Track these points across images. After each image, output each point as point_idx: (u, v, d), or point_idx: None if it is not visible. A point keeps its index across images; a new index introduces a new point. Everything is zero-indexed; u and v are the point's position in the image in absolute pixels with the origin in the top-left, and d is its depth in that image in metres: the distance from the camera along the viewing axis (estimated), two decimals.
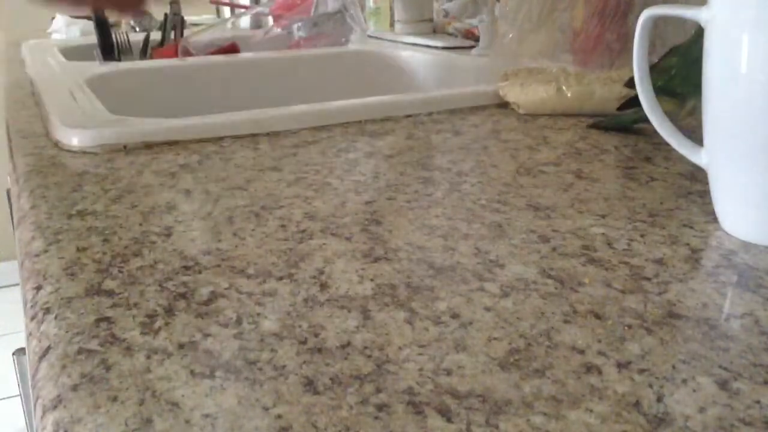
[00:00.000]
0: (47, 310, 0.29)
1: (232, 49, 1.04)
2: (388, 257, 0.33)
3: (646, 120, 0.54)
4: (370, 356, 0.25)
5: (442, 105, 0.65)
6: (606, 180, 0.44)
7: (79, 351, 0.26)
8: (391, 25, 1.27)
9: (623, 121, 0.56)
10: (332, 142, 0.54)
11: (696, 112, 0.49)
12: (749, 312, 0.28)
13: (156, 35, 1.24)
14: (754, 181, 0.33)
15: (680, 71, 0.49)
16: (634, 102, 0.55)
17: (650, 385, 0.23)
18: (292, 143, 0.54)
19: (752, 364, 0.24)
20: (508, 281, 0.31)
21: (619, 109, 0.57)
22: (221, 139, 0.56)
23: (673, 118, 0.42)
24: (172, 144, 0.54)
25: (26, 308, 0.31)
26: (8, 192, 1.16)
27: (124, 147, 0.53)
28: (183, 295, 0.30)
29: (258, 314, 0.28)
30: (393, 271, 0.32)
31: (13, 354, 0.94)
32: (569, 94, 0.61)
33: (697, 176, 0.44)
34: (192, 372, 0.24)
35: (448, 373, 0.24)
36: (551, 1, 0.89)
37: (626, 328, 0.27)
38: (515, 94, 0.63)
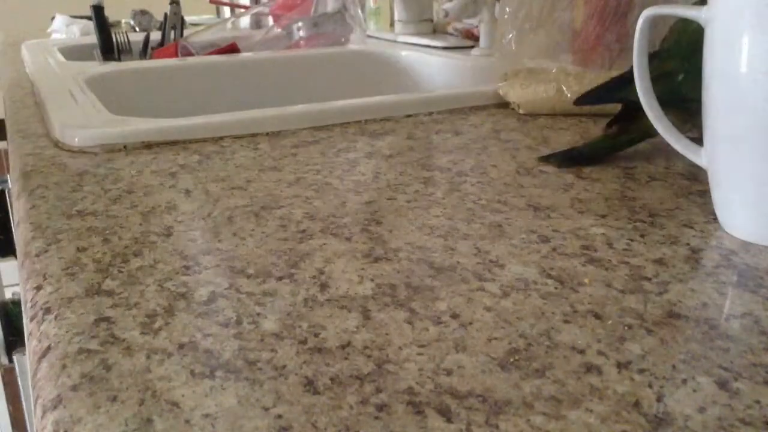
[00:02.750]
0: (47, 310, 0.29)
1: (232, 49, 1.04)
2: (388, 257, 0.33)
3: (618, 149, 0.48)
4: (370, 356, 0.25)
5: (442, 105, 0.65)
6: (606, 180, 0.44)
7: (79, 351, 0.26)
8: (391, 25, 1.27)
9: (592, 150, 0.48)
10: (332, 142, 0.54)
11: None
12: (749, 312, 0.28)
13: (156, 35, 1.24)
14: (754, 181, 0.33)
15: (689, 76, 0.44)
16: (590, 98, 0.51)
17: (650, 385, 0.23)
18: (292, 143, 0.54)
19: (752, 364, 0.24)
20: (508, 281, 0.31)
21: (576, 103, 0.54)
22: (221, 139, 0.56)
23: (681, 130, 0.39)
24: (172, 144, 0.54)
25: (26, 308, 0.31)
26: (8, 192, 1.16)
27: (124, 147, 0.53)
28: (183, 295, 0.30)
29: (258, 314, 0.28)
30: (393, 271, 0.32)
31: (14, 354, 0.94)
32: (569, 94, 0.61)
33: (697, 176, 0.44)
34: (192, 372, 0.24)
35: (448, 373, 0.24)
36: (551, 1, 0.89)
37: (626, 328, 0.27)
38: (515, 94, 0.63)
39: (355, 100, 0.62)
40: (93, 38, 1.12)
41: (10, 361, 1.03)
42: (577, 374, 0.24)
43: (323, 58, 1.02)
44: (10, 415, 1.35)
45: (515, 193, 0.42)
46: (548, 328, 0.27)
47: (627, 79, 0.47)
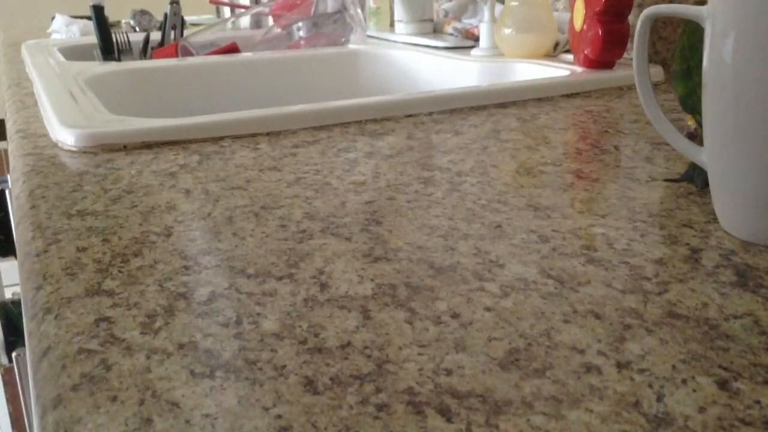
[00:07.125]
0: (47, 310, 0.29)
1: (232, 49, 1.04)
2: (388, 257, 0.33)
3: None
4: (370, 356, 0.25)
5: (442, 105, 0.65)
6: (606, 180, 0.44)
7: (79, 351, 0.26)
8: (391, 25, 1.27)
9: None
10: (332, 142, 0.54)
11: None
12: (749, 312, 0.28)
13: (156, 35, 1.24)
14: (754, 180, 0.33)
15: None
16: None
17: (650, 385, 0.23)
18: (292, 143, 0.54)
19: (752, 364, 0.24)
20: (508, 281, 0.31)
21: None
22: (221, 139, 0.56)
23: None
24: (172, 144, 0.54)
25: (26, 308, 0.31)
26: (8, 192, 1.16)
27: (124, 147, 0.53)
28: (183, 295, 0.30)
29: (258, 314, 0.28)
30: (393, 271, 0.32)
31: (14, 354, 0.94)
32: None
33: None
34: (192, 372, 0.24)
35: (448, 373, 0.24)
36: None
37: (626, 328, 0.27)
38: None
39: (355, 100, 0.62)
40: (93, 38, 1.12)
41: (10, 361, 1.03)
42: (577, 374, 0.24)
43: (323, 58, 1.02)
44: (10, 415, 1.35)
45: (515, 193, 0.42)
46: (548, 328, 0.27)
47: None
